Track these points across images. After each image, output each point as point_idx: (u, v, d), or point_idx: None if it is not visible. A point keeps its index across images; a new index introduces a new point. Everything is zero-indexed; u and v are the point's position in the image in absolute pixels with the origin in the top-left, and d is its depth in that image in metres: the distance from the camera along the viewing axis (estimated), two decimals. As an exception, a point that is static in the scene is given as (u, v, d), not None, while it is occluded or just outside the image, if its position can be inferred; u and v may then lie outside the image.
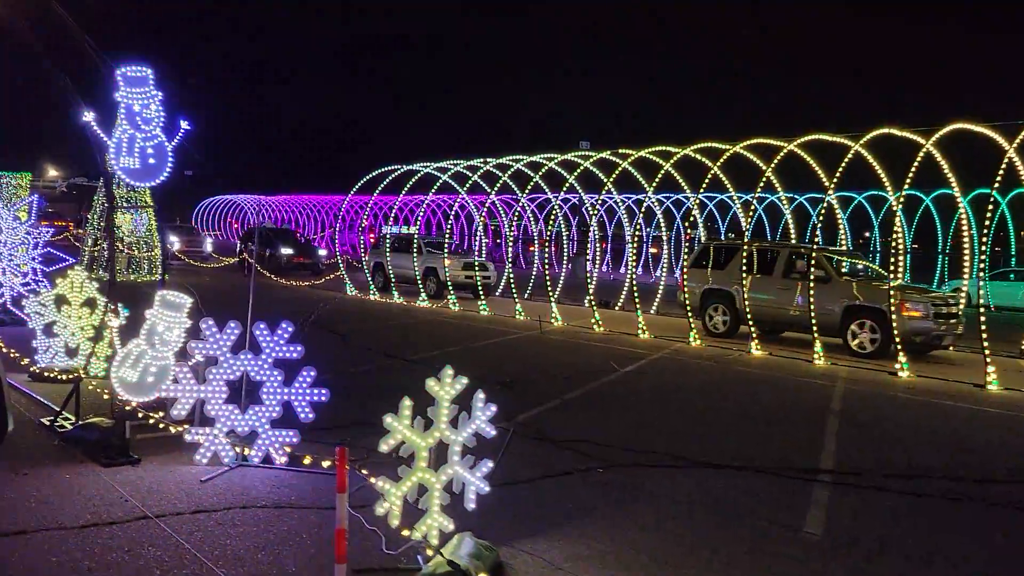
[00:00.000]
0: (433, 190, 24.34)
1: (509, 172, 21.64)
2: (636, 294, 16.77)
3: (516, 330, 16.78)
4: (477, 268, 21.08)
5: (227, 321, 6.21)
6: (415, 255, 22.40)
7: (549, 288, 18.90)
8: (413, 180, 24.10)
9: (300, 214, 61.42)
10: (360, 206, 42.01)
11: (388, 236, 25.49)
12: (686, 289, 15.98)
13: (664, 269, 24.44)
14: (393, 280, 23.71)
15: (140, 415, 6.52)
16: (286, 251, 31.23)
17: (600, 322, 17.17)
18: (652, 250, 43.48)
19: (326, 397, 6.27)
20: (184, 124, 6.32)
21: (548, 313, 18.15)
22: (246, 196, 60.02)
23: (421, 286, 22.16)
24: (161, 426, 6.59)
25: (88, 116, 6.01)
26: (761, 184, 16.28)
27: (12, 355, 9.60)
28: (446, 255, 22.73)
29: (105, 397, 8.03)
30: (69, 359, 9.44)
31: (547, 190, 24.38)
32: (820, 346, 13.75)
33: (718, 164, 16.64)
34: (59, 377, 9.05)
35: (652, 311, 20.58)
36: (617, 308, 21.38)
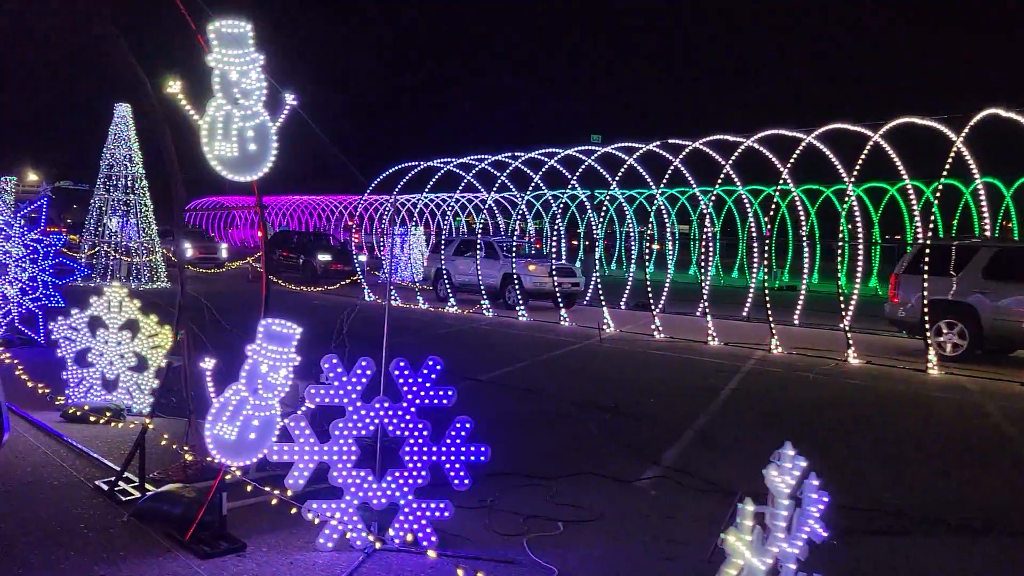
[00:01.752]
0: (460, 187, 22.82)
1: (544, 167, 20.17)
2: (705, 299, 15.35)
3: (569, 338, 15.32)
4: (561, 273, 18.87)
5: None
6: (484, 259, 19.72)
7: (601, 292, 17.45)
8: (436, 177, 22.56)
9: (298, 216, 59.51)
10: (372, 206, 40.40)
11: (445, 239, 23.32)
12: (900, 300, 13.43)
13: (707, 268, 23.02)
14: (451, 287, 21.00)
15: (227, 477, 5.00)
16: (323, 257, 28.39)
17: (660, 328, 15.76)
18: (655, 247, 42.10)
19: (486, 456, 4.78)
20: (290, 98, 4.80)
21: (599, 319, 16.70)
22: (236, 199, 58.03)
23: (489, 296, 19.53)
24: (275, 502, 5.08)
25: (173, 86, 4.47)
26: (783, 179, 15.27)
27: (39, 389, 8.01)
28: (530, 260, 20.07)
29: (172, 447, 6.49)
30: (106, 393, 7.87)
31: (576, 184, 22.90)
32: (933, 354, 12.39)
33: (730, 157, 15.31)
34: (104, 421, 7.47)
35: (659, 310, 19.18)
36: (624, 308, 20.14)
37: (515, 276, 19.13)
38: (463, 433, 4.77)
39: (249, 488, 5.15)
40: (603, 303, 17.22)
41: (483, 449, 4.78)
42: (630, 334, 16.06)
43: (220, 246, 37.08)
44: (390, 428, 4.74)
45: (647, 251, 18.39)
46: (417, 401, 4.74)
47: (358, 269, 24.00)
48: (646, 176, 19.34)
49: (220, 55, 4.54)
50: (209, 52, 4.52)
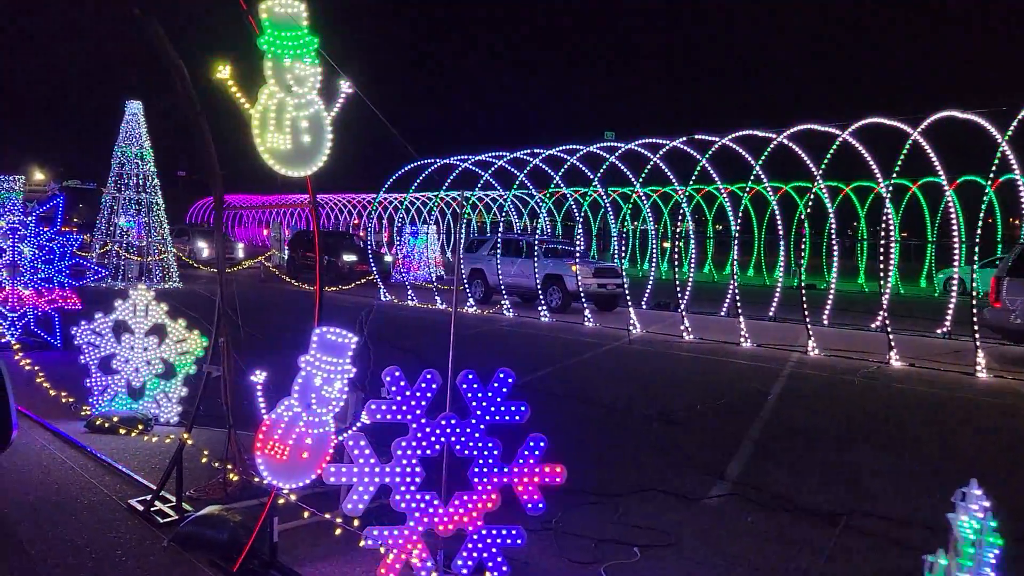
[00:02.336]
0: (479, 185, 22.37)
1: (565, 165, 19.74)
2: (738, 300, 14.89)
3: (595, 339, 14.90)
4: (606, 274, 18.21)
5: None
6: (524, 259, 19.04)
7: (627, 292, 17.00)
8: (454, 175, 22.12)
9: (298, 214, 58.93)
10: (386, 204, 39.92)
11: (477, 237, 22.27)
12: (1005, 306, 12.31)
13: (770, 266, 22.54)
14: (487, 288, 20.49)
15: (280, 501, 4.58)
16: (348, 258, 27.37)
17: (689, 328, 15.32)
18: (665, 244, 41.52)
19: (562, 478, 4.36)
20: (345, 86, 4.38)
21: (627, 320, 16.27)
22: (243, 197, 57.53)
23: (529, 297, 18.95)
24: (338, 532, 4.66)
25: (223, 71, 4.04)
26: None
27: (63, 398, 7.61)
28: (576, 260, 18.99)
29: (205, 461, 6.08)
30: (132, 401, 7.47)
31: (598, 182, 22.44)
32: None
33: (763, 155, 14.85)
34: (133, 434, 7.06)
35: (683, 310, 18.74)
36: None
37: (558, 276, 18.31)
38: (536, 452, 4.35)
39: (306, 515, 4.71)
40: (629, 303, 16.77)
41: (559, 470, 4.36)
42: (658, 335, 15.63)
43: (237, 245, 36.34)
44: (457, 447, 4.31)
45: (676, 249, 17.89)
46: (487, 417, 4.32)
47: (372, 269, 23.43)
48: (669, 174, 18.87)
49: (272, 37, 4.12)
50: (260, 34, 4.10)
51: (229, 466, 5.41)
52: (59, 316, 11.41)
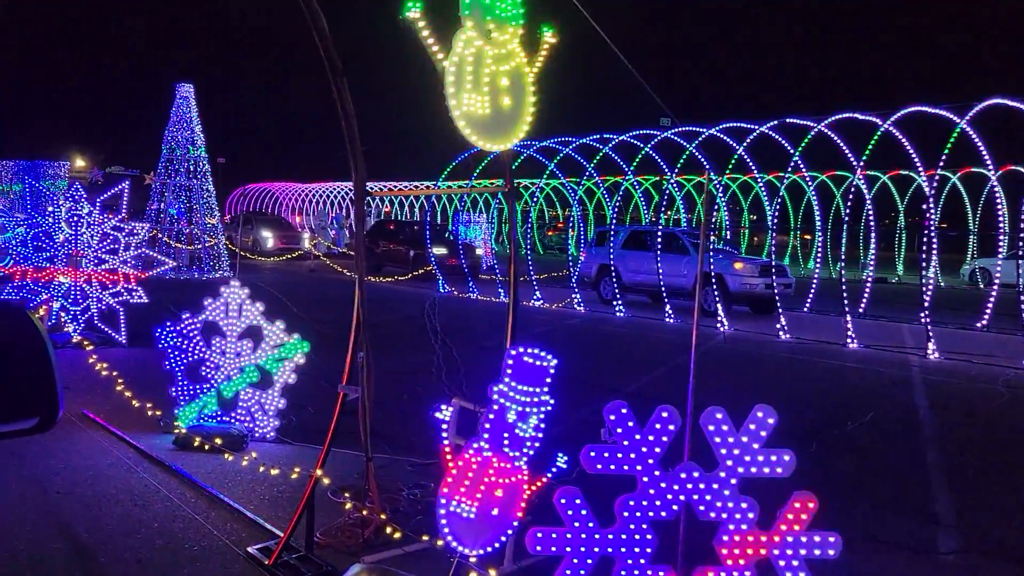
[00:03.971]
0: (546, 173, 21.29)
1: (641, 153, 18.57)
2: (845, 294, 13.68)
3: (684, 338, 13.77)
4: (773, 272, 15.74)
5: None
6: (670, 254, 16.44)
7: (715, 287, 15.81)
8: (519, 161, 21.06)
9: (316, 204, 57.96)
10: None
11: (606, 228, 19.77)
12: None
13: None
14: (619, 287, 17.35)
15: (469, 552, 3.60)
16: (439, 251, 23.34)
17: (785, 327, 14.16)
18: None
19: (836, 550, 3.32)
20: (548, 34, 3.35)
21: (718, 317, 15.13)
22: (286, 184, 56.97)
23: (677, 297, 16.46)
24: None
25: (413, 9, 3.04)
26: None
27: (150, 410, 6.73)
28: (740, 256, 16.48)
29: (328, 490, 5.13)
30: (223, 414, 6.56)
31: (671, 173, 21.25)
32: None
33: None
34: (226, 454, 6.14)
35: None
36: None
37: (716, 274, 15.86)
38: (803, 516, 3.32)
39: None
40: (718, 300, 15.58)
41: (831, 540, 3.33)
42: (750, 334, 14.48)
43: (302, 235, 33.82)
44: (701, 508, 3.30)
45: (772, 243, 16.64)
46: (740, 470, 3.29)
47: (463, 263, 21.05)
48: (750, 162, 17.64)
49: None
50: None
51: (365, 512, 4.44)
52: (124, 310, 10.60)
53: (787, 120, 15.59)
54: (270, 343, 6.53)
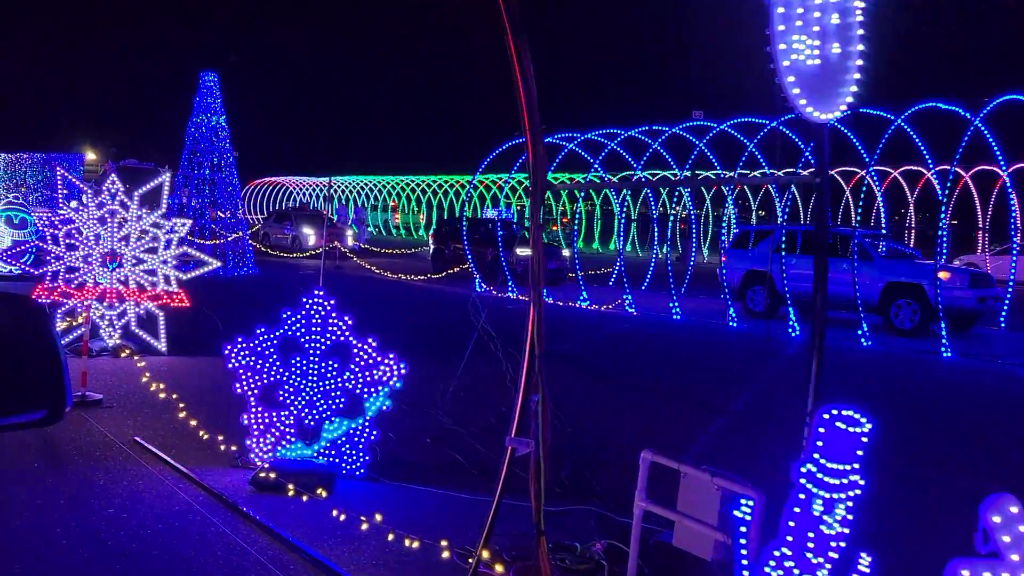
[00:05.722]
0: (595, 165, 20.25)
1: (700, 144, 17.55)
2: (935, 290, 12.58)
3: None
4: (981, 283, 13.79)
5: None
6: (842, 260, 13.91)
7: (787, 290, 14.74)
8: (561, 155, 20.08)
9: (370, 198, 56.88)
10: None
11: (746, 229, 17.31)
12: None
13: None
14: (778, 300, 15.02)
15: None
16: (521, 252, 20.93)
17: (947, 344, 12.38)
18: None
19: None
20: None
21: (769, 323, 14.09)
22: (303, 179, 56.01)
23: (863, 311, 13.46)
24: None
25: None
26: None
27: (225, 446, 5.75)
28: (942, 264, 13.68)
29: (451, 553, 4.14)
30: (304, 446, 5.57)
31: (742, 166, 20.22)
32: None
33: None
34: (312, 495, 5.14)
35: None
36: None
37: (912, 285, 13.59)
38: None
39: None
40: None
41: None
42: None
43: (347, 232, 31.06)
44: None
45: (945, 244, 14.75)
46: None
47: (549, 266, 18.95)
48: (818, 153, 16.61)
49: None
50: None
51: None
52: (165, 316, 9.64)
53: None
54: (360, 363, 5.53)
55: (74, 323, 9.37)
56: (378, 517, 4.68)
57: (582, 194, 40.18)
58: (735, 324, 14.74)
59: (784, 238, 15.52)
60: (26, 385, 1.67)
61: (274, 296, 16.17)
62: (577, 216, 45.36)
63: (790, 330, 13.98)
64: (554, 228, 47.11)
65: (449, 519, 4.90)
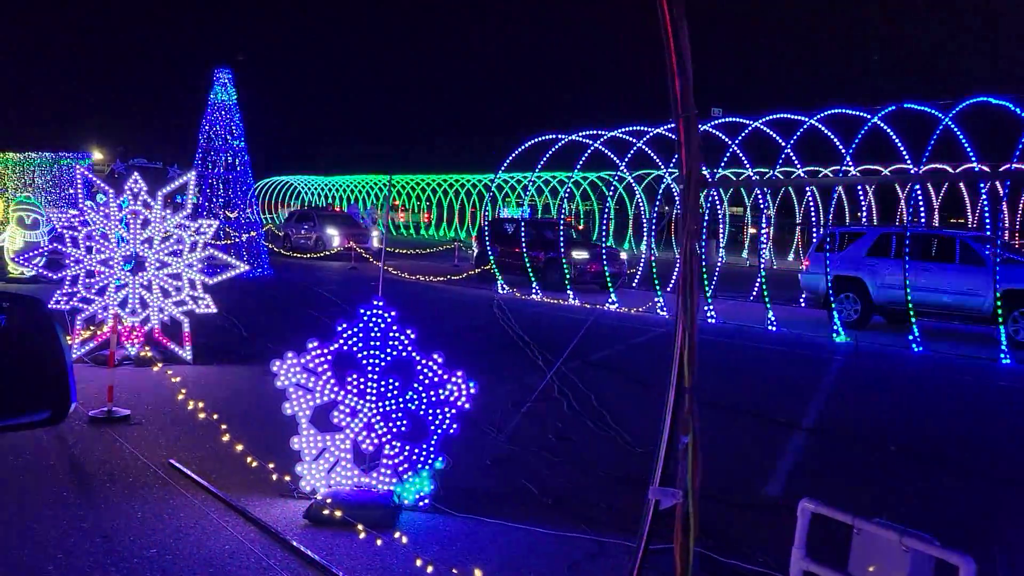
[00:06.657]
0: (624, 161, 19.63)
1: (733, 141, 16.94)
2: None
3: (784, 346, 12.18)
4: None
5: None
6: (942, 265, 13.07)
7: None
8: (587, 153, 19.45)
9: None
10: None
11: (834, 230, 15.82)
12: None
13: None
14: (872, 308, 14.03)
15: None
16: (579, 255, 19.84)
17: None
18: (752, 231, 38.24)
19: None
20: None
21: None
22: (311, 178, 55.47)
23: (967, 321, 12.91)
24: None
25: None
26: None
27: (266, 469, 5.20)
28: None
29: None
30: (362, 473, 5.01)
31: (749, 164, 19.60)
32: None
33: None
34: (372, 529, 4.58)
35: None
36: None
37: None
38: None
39: None
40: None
41: None
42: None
43: (372, 233, 30.20)
44: None
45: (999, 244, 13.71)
46: None
47: (606, 269, 17.73)
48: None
49: None
50: None
51: None
52: (190, 322, 9.09)
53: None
54: (424, 381, 4.97)
55: (98, 331, 8.82)
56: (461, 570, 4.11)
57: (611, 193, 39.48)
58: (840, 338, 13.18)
59: (879, 241, 14.41)
60: (31, 385, 1.68)
61: (298, 299, 15.65)
62: (581, 216, 44.87)
63: (914, 345, 12.25)
64: (579, 229, 46.31)
65: (530, 558, 4.34)
